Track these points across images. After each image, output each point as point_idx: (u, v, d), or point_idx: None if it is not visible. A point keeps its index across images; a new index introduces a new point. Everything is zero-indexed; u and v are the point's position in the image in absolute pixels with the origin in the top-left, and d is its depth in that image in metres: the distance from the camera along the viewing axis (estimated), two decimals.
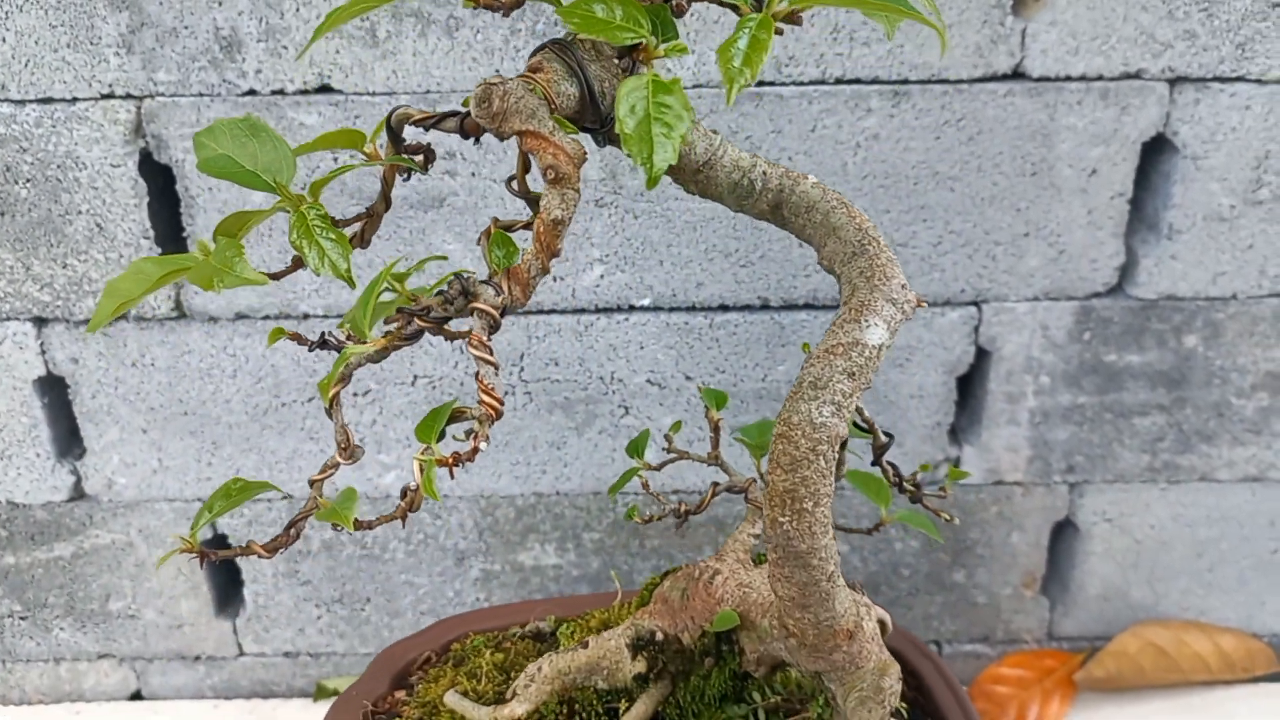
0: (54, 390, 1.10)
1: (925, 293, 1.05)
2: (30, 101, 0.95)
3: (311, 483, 0.62)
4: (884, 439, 0.73)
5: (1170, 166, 1.00)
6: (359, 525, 0.53)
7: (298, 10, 0.92)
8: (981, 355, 1.09)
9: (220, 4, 0.91)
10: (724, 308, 1.06)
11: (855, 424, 0.73)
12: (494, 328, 0.52)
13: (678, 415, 1.10)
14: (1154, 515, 1.16)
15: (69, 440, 1.13)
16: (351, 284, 0.53)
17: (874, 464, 0.74)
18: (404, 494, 0.53)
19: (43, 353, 1.06)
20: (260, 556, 0.59)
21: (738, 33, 0.45)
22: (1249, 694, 1.22)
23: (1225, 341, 1.07)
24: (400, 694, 0.86)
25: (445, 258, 0.55)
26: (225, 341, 1.06)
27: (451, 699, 0.74)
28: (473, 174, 0.98)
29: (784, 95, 0.96)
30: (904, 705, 0.84)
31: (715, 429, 0.78)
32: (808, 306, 1.06)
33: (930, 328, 1.06)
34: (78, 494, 1.14)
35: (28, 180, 0.98)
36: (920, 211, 1.01)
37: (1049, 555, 1.20)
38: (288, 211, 0.56)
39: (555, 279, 1.04)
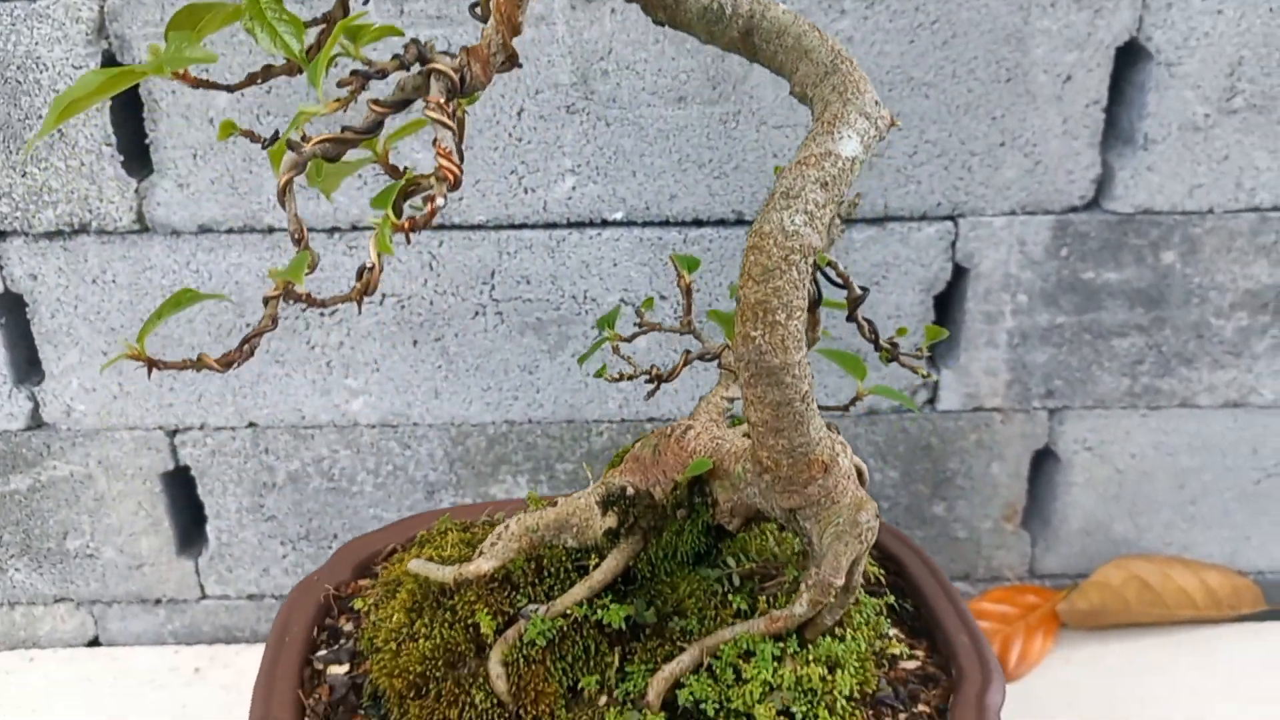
0: (12, 310, 1.07)
1: (901, 207, 1.04)
2: None
3: (265, 302, 0.60)
4: (859, 292, 0.71)
5: (1144, 74, 1.00)
6: (311, 301, 0.51)
7: None
8: (959, 273, 1.08)
9: None
10: (698, 222, 1.05)
11: (829, 279, 0.72)
12: (452, 92, 0.50)
13: (657, 343, 1.08)
14: (1135, 443, 1.15)
15: (27, 366, 1.10)
16: (304, 63, 0.52)
17: (849, 319, 0.72)
18: (360, 274, 0.51)
19: (0, 268, 1.03)
20: (213, 370, 0.56)
21: None
22: (1237, 633, 1.20)
23: (1203, 258, 1.06)
24: (364, 581, 0.83)
25: (400, 31, 0.53)
26: (189, 257, 1.03)
27: (415, 565, 0.72)
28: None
29: None
30: (888, 589, 0.82)
31: (687, 293, 0.76)
32: None
33: (906, 243, 1.05)
34: (35, 422, 1.10)
35: None
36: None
37: (1029, 487, 1.18)
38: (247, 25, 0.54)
39: (526, 190, 1.02)
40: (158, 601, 1.19)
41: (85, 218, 1.01)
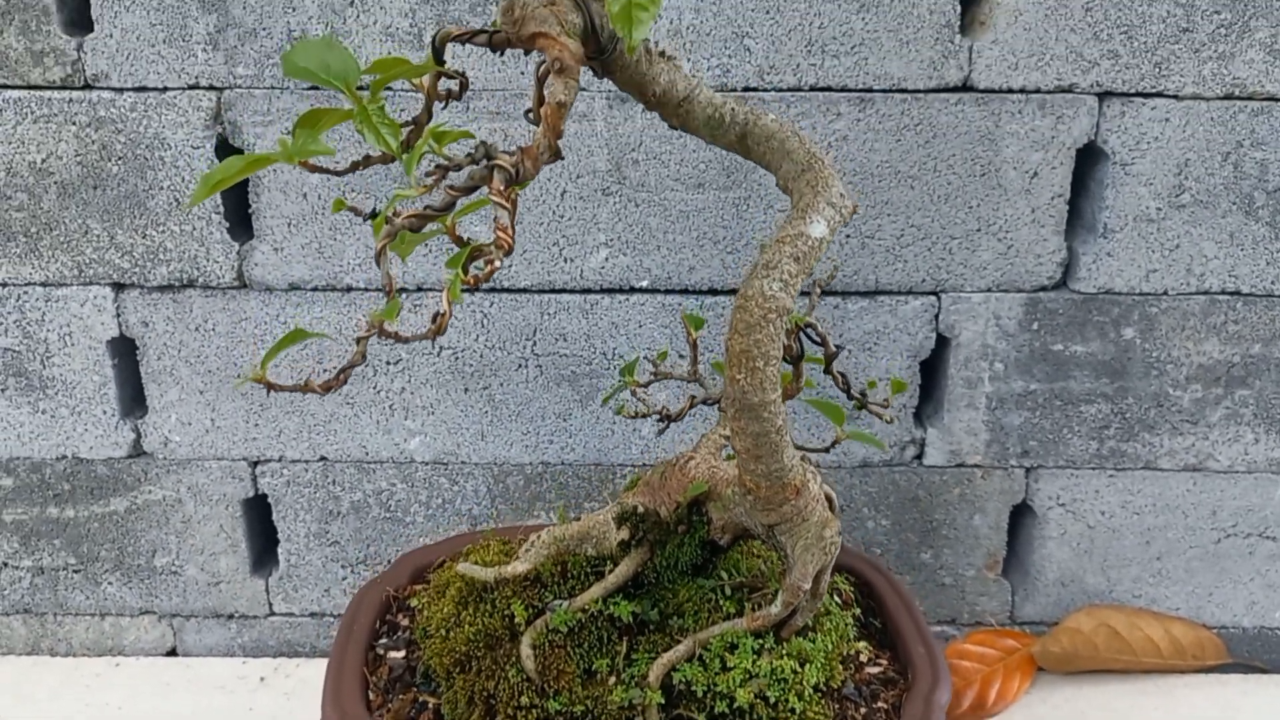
0: (124, 351, 1.25)
1: (890, 282, 1.19)
2: (128, 89, 1.13)
3: (357, 340, 0.76)
4: (834, 349, 0.87)
5: (1102, 172, 1.15)
6: (398, 338, 0.67)
7: (358, 17, 1.10)
8: (941, 342, 1.22)
9: (293, 9, 1.09)
10: (713, 291, 1.21)
11: (809, 337, 0.87)
12: (509, 181, 0.66)
13: (671, 389, 1.23)
14: (1104, 502, 1.28)
15: (133, 400, 1.27)
16: (399, 155, 0.69)
17: (825, 371, 0.88)
18: (435, 318, 0.67)
19: (118, 315, 1.21)
20: (316, 393, 0.72)
21: None
22: (1201, 682, 1.31)
23: (1160, 335, 1.21)
24: (419, 585, 0.98)
25: (471, 135, 0.70)
26: (279, 310, 1.21)
27: (463, 567, 0.87)
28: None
29: (765, 99, 1.12)
30: (858, 609, 0.96)
31: (694, 348, 0.92)
32: None
33: (895, 315, 1.20)
34: (136, 451, 1.28)
35: (120, 158, 1.15)
36: (885, 207, 1.16)
37: (1009, 539, 1.31)
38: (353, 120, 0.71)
39: (566, 260, 1.19)
40: (230, 616, 1.35)
41: (193, 274, 1.19)
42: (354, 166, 0.76)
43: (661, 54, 0.79)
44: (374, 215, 0.76)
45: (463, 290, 0.65)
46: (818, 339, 0.87)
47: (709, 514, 0.84)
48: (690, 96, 0.78)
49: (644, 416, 0.91)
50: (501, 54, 0.72)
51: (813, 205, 0.76)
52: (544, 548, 0.85)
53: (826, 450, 0.94)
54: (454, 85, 0.76)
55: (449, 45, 0.72)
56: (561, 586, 0.86)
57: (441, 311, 0.67)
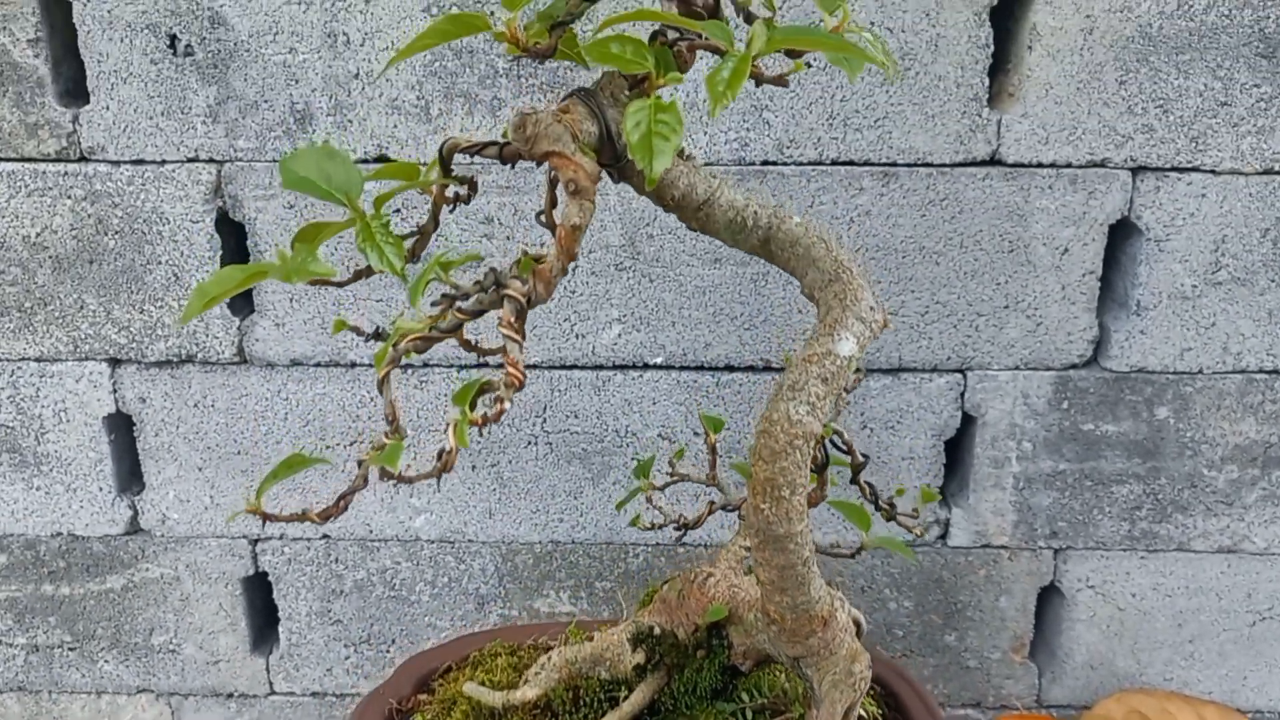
0: (121, 427, 1.21)
1: (914, 360, 1.15)
2: (125, 162, 1.09)
3: (360, 463, 0.72)
4: (861, 459, 0.82)
5: (1136, 248, 1.11)
6: (400, 478, 0.63)
7: (363, 90, 1.06)
8: (967, 420, 1.18)
9: (297, 82, 1.06)
10: (729, 368, 1.16)
11: (835, 445, 0.83)
12: (520, 313, 0.62)
13: (685, 470, 1.19)
14: (1135, 584, 1.23)
15: (130, 476, 1.23)
16: (404, 278, 0.64)
17: (852, 482, 0.83)
18: (440, 455, 0.63)
19: (114, 391, 1.17)
20: (314, 522, 0.68)
21: (723, 65, 0.57)
22: None
23: (1194, 415, 1.16)
24: (423, 696, 0.94)
25: (481, 256, 0.66)
26: (280, 386, 1.17)
27: (469, 688, 0.82)
28: (508, 237, 1.11)
29: (785, 174, 1.08)
30: None
31: (713, 451, 0.87)
32: None
33: (919, 393, 1.16)
34: (133, 528, 1.23)
35: (116, 232, 1.11)
36: (908, 283, 1.12)
37: (1036, 621, 1.26)
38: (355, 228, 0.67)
39: (577, 336, 1.15)
40: (230, 695, 1.31)
41: (192, 350, 1.15)
42: (356, 276, 0.71)
43: (680, 153, 0.75)
44: (377, 335, 0.72)
45: (470, 429, 0.61)
46: (844, 447, 0.82)
47: (730, 638, 0.80)
48: (711, 199, 0.74)
49: (660, 528, 0.87)
50: (513, 166, 0.68)
51: (841, 320, 0.72)
52: (554, 670, 0.81)
53: (852, 556, 0.90)
54: (463, 190, 0.72)
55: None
56: (574, 715, 0.82)
57: (448, 449, 0.63)
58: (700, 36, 0.63)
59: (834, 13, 0.64)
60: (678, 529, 0.87)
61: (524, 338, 0.64)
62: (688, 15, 0.70)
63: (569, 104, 0.68)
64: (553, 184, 0.70)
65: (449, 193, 0.73)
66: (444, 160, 0.69)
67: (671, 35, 0.68)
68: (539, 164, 0.66)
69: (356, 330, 0.69)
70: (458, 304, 0.63)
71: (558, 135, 0.63)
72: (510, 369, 0.60)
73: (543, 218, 0.72)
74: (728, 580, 0.81)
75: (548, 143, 0.63)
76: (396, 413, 0.66)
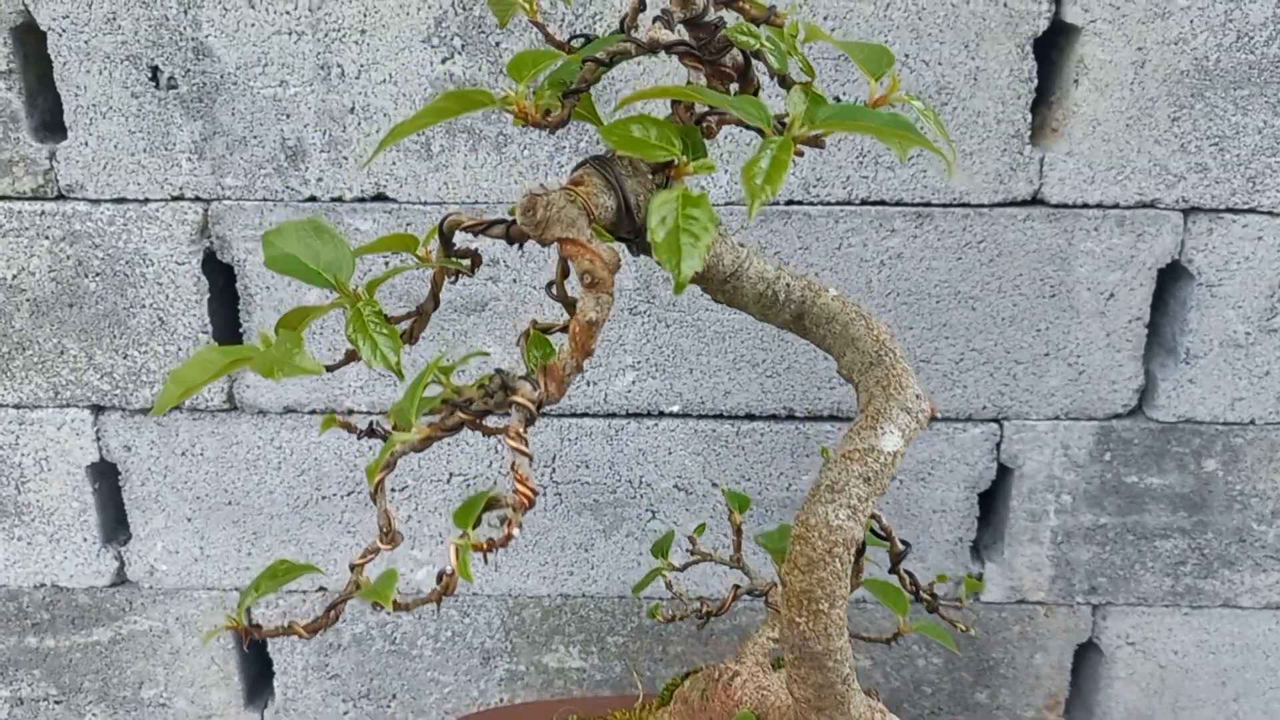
0: (105, 476, 1.14)
1: (947, 409, 1.08)
2: (105, 201, 1.02)
3: (352, 567, 0.65)
4: (900, 547, 0.76)
5: (1186, 293, 1.04)
6: (397, 606, 0.56)
7: (359, 125, 0.99)
8: (1003, 472, 1.11)
9: (288, 117, 0.98)
10: (750, 416, 1.09)
11: (873, 531, 0.76)
12: (530, 421, 0.55)
13: (703, 520, 1.12)
14: (1177, 641, 1.16)
15: (115, 526, 1.17)
16: (400, 376, 0.58)
17: (891, 571, 0.76)
18: (440, 578, 0.56)
19: (98, 439, 1.11)
20: (300, 636, 0.62)
21: (760, 153, 0.50)
22: None
23: (1244, 467, 1.09)
24: None
25: (488, 353, 0.59)
26: (273, 434, 1.10)
27: None
28: (514, 280, 1.03)
29: (811, 214, 1.01)
30: None
31: (738, 532, 0.81)
32: (832, 418, 1.09)
33: (952, 443, 1.09)
34: (120, 579, 1.17)
35: (97, 274, 1.04)
36: (942, 329, 1.05)
37: (1072, 678, 1.19)
38: (344, 308, 0.60)
39: (589, 383, 1.08)
40: None
41: None
42: (347, 359, 0.65)
43: None
44: (371, 433, 0.65)
45: (474, 553, 0.54)
46: (882, 533, 0.76)
47: None
48: (739, 271, 0.67)
49: (682, 619, 0.80)
50: (520, 247, 0.61)
51: (884, 412, 0.65)
52: None
53: (888, 642, 0.83)
54: (465, 264, 0.65)
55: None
56: None
57: (449, 571, 0.56)
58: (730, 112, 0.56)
59: (879, 78, 0.57)
60: (699, 618, 0.80)
61: (530, 450, 0.57)
62: (715, 76, 0.63)
63: (582, 174, 0.61)
64: (564, 257, 0.63)
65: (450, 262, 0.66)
66: (445, 237, 0.62)
67: (700, 109, 0.61)
68: (546, 244, 0.59)
69: (348, 428, 0.63)
70: (458, 412, 0.56)
71: (572, 219, 0.56)
72: (519, 486, 0.54)
73: (553, 290, 0.66)
74: (755, 681, 0.75)
75: (560, 228, 0.56)
76: (391, 522, 0.59)
